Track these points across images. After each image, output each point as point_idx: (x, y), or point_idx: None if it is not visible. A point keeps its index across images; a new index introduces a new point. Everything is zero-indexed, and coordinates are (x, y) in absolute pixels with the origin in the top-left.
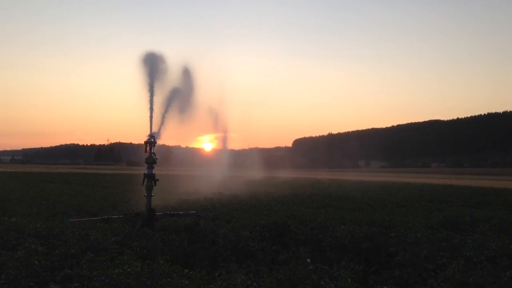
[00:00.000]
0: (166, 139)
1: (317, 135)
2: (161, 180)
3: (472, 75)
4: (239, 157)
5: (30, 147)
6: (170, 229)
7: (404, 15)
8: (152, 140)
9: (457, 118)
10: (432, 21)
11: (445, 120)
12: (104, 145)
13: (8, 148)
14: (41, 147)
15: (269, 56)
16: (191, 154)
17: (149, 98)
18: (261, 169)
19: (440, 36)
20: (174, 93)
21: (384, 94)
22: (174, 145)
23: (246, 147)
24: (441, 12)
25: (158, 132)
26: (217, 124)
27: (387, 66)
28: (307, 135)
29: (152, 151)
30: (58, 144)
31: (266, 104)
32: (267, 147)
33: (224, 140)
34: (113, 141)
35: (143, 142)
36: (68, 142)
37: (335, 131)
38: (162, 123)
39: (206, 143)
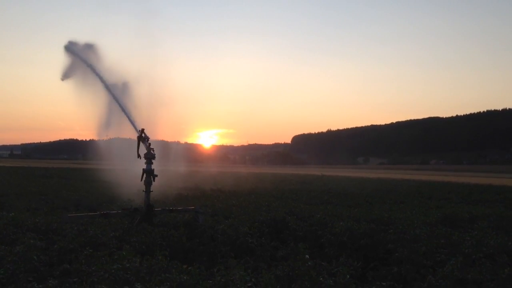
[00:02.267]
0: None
1: (316, 132)
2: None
3: (472, 73)
4: (237, 153)
5: (29, 142)
6: (169, 224)
7: (404, 13)
8: (143, 135)
9: (456, 116)
10: (431, 19)
11: (444, 117)
12: (103, 140)
13: (7, 143)
14: (40, 142)
15: (269, 54)
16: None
17: (117, 102)
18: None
19: (440, 33)
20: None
21: (383, 91)
22: (173, 140)
23: (245, 143)
24: (441, 11)
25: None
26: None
27: (387, 63)
28: (306, 131)
29: (150, 146)
30: (57, 139)
31: (266, 101)
32: (266, 143)
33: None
34: (112, 136)
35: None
36: (67, 137)
37: (334, 127)
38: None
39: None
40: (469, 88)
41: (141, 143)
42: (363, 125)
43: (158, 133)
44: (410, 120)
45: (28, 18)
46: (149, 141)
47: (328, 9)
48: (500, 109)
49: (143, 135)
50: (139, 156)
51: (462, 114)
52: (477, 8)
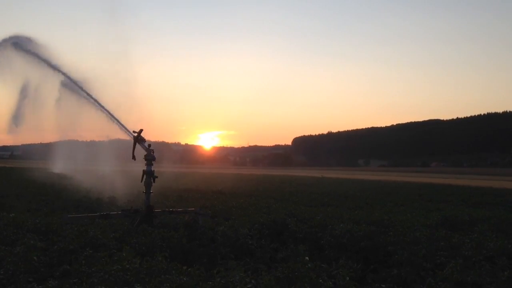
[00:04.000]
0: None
1: (317, 134)
2: None
3: (472, 75)
4: (238, 155)
5: (30, 143)
6: (169, 226)
7: (405, 16)
8: (139, 137)
9: (457, 118)
10: (432, 22)
11: (445, 119)
12: (103, 141)
13: (8, 144)
14: (41, 143)
15: (270, 56)
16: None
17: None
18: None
19: (440, 36)
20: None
21: (384, 93)
22: (174, 141)
23: (246, 145)
24: (441, 13)
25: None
26: None
27: (387, 65)
28: (306, 133)
29: (150, 147)
30: (57, 140)
31: (267, 103)
32: (267, 145)
33: None
34: (112, 137)
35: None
36: (68, 139)
37: (335, 130)
38: None
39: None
40: (469, 90)
41: (139, 145)
42: (364, 127)
43: (152, 134)
44: (411, 123)
45: (28, 17)
46: (147, 142)
47: (329, 10)
48: (501, 112)
49: (139, 137)
50: (134, 157)
51: (463, 117)
52: (477, 10)
